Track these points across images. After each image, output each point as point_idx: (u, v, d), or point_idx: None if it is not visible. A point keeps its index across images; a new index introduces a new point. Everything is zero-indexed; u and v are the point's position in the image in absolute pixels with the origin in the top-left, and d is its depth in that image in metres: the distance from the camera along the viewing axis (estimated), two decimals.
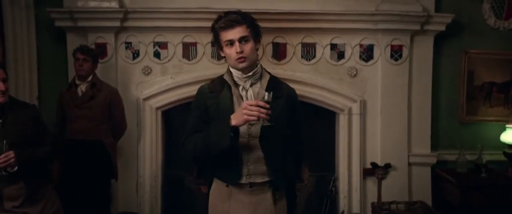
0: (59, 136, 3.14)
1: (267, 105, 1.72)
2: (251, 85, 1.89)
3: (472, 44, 3.66)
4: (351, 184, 3.58)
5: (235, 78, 1.90)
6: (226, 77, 1.91)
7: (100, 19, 3.33)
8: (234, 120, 1.74)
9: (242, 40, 1.82)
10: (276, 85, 1.90)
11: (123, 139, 3.35)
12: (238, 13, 1.84)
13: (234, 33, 1.81)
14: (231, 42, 1.83)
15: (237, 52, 1.81)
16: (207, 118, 1.90)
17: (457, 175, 3.50)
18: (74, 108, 3.09)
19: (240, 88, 1.90)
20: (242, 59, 1.82)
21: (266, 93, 1.75)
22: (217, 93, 1.89)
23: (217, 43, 1.89)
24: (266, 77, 1.91)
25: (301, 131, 2.01)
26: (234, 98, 1.88)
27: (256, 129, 1.84)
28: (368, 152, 3.58)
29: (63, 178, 3.09)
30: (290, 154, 1.93)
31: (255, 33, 1.86)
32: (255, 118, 1.71)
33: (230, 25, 1.80)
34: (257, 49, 1.90)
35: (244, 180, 1.88)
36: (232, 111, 1.84)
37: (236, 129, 1.76)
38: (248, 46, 1.82)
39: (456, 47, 3.66)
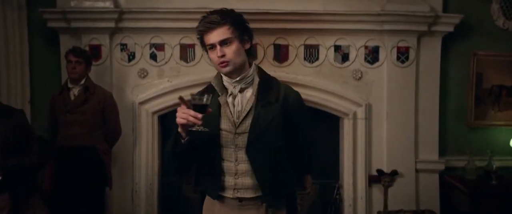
0: (51, 142, 3.08)
1: (185, 106, 1.56)
2: (241, 91, 1.74)
3: (480, 45, 3.60)
4: (356, 192, 3.51)
5: (225, 83, 1.75)
6: (213, 82, 1.76)
7: (94, 20, 3.27)
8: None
9: (224, 43, 1.66)
10: (268, 89, 1.73)
11: (118, 145, 3.28)
12: (219, 12, 1.67)
13: (214, 36, 1.65)
14: (213, 46, 1.67)
15: (218, 57, 1.66)
16: None
17: (466, 182, 3.44)
18: (66, 113, 3.02)
19: (228, 94, 1.74)
20: (224, 64, 1.66)
21: (206, 96, 1.58)
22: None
23: (203, 47, 1.73)
24: (256, 81, 1.73)
25: (306, 138, 1.84)
26: (221, 106, 1.73)
27: (243, 138, 1.69)
28: (374, 158, 3.52)
29: (55, 186, 3.02)
30: (288, 164, 1.77)
31: (241, 32, 1.69)
32: (184, 121, 1.55)
33: (209, 27, 1.65)
34: (248, 49, 1.74)
35: (231, 194, 1.73)
36: (218, 121, 1.70)
37: (188, 133, 1.60)
38: (231, 49, 1.66)
39: (464, 49, 3.60)
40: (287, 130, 1.74)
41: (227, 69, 1.68)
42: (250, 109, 1.71)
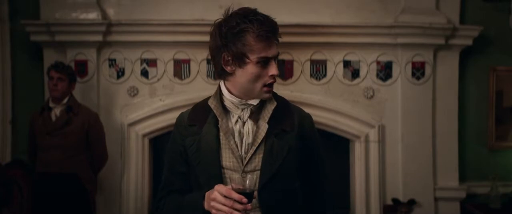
0: (29, 168, 2.88)
1: (245, 200, 1.24)
2: (250, 116, 1.39)
3: (499, 60, 3.46)
4: None
5: (228, 104, 1.40)
6: (211, 102, 1.41)
7: (80, 33, 3.17)
8: (206, 202, 1.30)
9: (276, 59, 1.40)
10: (283, 114, 1.42)
11: (104, 171, 3.15)
12: (273, 21, 1.38)
13: (274, 49, 1.37)
14: (266, 61, 1.35)
15: (270, 75, 1.36)
16: (185, 166, 1.42)
17: (490, 212, 3.24)
18: (46, 135, 2.88)
19: (234, 119, 1.40)
20: (270, 88, 1.38)
21: (249, 178, 1.27)
22: (200, 127, 1.41)
23: (234, 50, 1.33)
24: (272, 105, 1.41)
25: (324, 175, 1.52)
26: (221, 135, 1.39)
27: (252, 177, 1.35)
28: (389, 185, 3.35)
29: None
30: (305, 211, 1.46)
31: None
32: None
33: (268, 38, 1.34)
34: None
35: None
36: (218, 157, 1.37)
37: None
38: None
39: (482, 64, 3.47)
40: (303, 166, 1.43)
41: (270, 93, 1.40)
42: (262, 140, 1.39)
